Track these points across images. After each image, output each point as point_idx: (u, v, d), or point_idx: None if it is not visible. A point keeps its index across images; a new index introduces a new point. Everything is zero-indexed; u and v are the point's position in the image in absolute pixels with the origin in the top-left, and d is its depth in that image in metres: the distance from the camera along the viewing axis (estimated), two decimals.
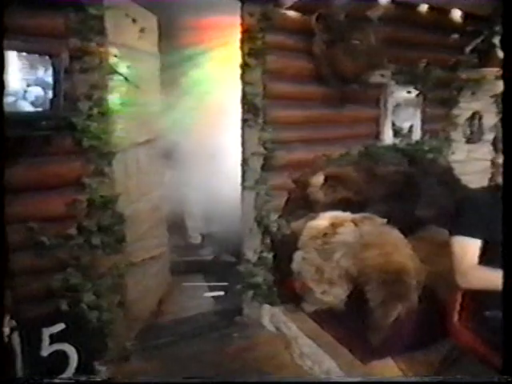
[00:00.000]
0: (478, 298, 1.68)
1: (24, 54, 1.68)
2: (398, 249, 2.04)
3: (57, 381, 1.90)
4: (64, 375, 2.10)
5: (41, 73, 1.74)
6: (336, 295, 2.18)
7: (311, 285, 2.24)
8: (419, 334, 2.13)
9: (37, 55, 1.73)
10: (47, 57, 1.75)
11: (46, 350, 2.05)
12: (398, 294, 1.93)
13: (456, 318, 1.73)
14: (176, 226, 3.80)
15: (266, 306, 2.78)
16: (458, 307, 1.73)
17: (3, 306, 1.03)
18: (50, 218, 2.07)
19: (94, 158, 2.08)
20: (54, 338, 2.06)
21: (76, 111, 1.98)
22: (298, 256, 2.37)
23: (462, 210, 1.78)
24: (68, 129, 1.98)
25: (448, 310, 1.79)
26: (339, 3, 2.30)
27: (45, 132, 1.88)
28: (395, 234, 2.17)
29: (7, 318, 1.19)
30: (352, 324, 2.22)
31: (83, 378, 2.00)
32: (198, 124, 3.18)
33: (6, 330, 1.17)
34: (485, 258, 1.63)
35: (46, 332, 2.06)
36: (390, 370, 2.13)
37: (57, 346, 2.06)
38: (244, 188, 2.63)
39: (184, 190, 3.73)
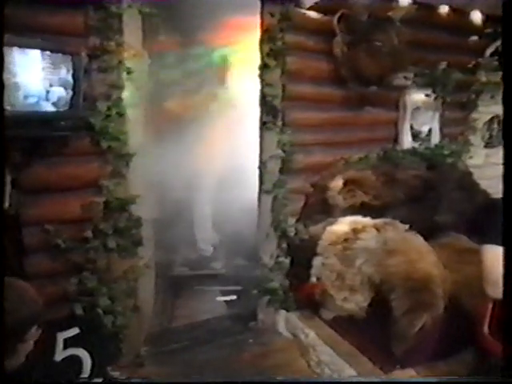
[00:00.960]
0: (509, 307, 1.62)
1: (48, 52, 1.64)
2: (423, 256, 1.98)
3: None
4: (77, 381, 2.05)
5: (63, 72, 1.71)
6: (357, 302, 2.13)
7: (332, 291, 2.18)
8: (444, 345, 2.07)
9: (60, 54, 1.69)
10: (69, 56, 1.72)
11: (60, 354, 2.02)
12: (423, 303, 1.87)
13: (486, 328, 1.67)
14: (185, 237, 3.71)
15: (282, 312, 2.72)
16: (488, 317, 1.67)
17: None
18: (66, 220, 2.04)
19: (112, 160, 2.05)
20: (68, 343, 2.03)
21: (94, 111, 1.95)
22: (317, 261, 2.32)
23: (491, 217, 1.73)
24: (86, 129, 1.95)
25: (477, 320, 1.73)
26: (362, 3, 2.24)
27: (63, 132, 1.84)
28: (419, 241, 2.11)
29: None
30: (373, 332, 2.17)
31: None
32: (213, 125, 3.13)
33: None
34: None
35: (61, 336, 2.03)
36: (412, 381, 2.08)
37: (71, 351, 2.03)
38: (261, 191, 2.59)
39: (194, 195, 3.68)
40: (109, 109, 1.97)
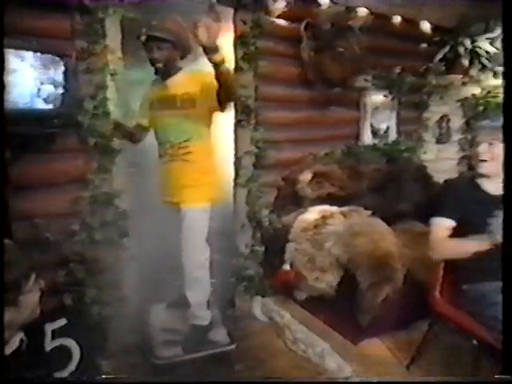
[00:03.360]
0: (456, 273, 1.90)
1: (38, 54, 1.76)
2: (384, 236, 2.24)
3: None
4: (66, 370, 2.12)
5: (52, 72, 1.83)
6: (328, 282, 2.36)
7: (304, 273, 2.40)
8: (403, 314, 2.34)
9: (50, 55, 1.81)
10: (59, 57, 1.84)
11: (49, 345, 2.09)
12: (385, 277, 2.12)
13: (437, 292, 1.94)
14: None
15: (258, 298, 2.91)
16: (439, 283, 1.94)
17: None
18: (55, 214, 2.13)
19: (98, 156, 2.17)
20: (56, 334, 2.10)
21: (81, 110, 2.07)
22: (290, 247, 2.54)
23: (437, 196, 2.03)
24: (74, 127, 2.06)
25: (430, 287, 2.00)
26: (325, 13, 2.50)
27: (53, 130, 1.95)
28: (380, 224, 2.38)
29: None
30: (342, 309, 2.40)
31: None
32: None
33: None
34: (459, 236, 1.86)
35: (49, 327, 2.11)
36: (378, 349, 2.33)
37: (59, 341, 2.11)
38: (236, 185, 2.78)
39: None
40: (95, 108, 2.09)
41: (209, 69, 1.79)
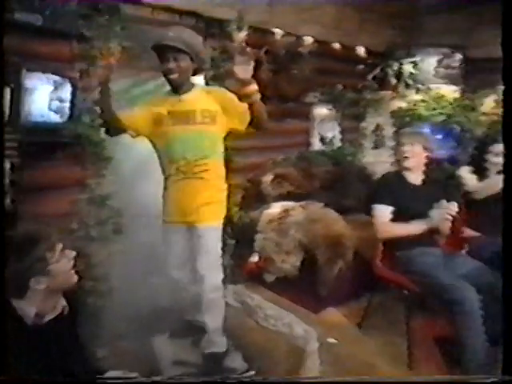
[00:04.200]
0: (391, 245, 2.45)
1: (50, 75, 2.10)
2: (336, 222, 2.78)
3: None
4: None
5: (60, 91, 2.17)
6: (292, 262, 2.84)
7: (273, 257, 2.86)
8: (354, 287, 2.88)
9: (57, 76, 2.15)
10: (63, 77, 2.19)
11: None
12: (339, 253, 2.65)
13: (378, 260, 2.49)
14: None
15: (230, 286, 3.31)
16: (379, 254, 2.49)
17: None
18: (56, 214, 2.41)
19: (94, 163, 2.50)
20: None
21: (80, 123, 2.39)
22: (259, 237, 2.99)
23: (376, 189, 2.59)
24: (74, 138, 2.39)
25: (373, 258, 2.55)
26: (280, 41, 3.04)
27: (59, 139, 2.28)
28: (332, 213, 2.93)
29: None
30: (304, 285, 2.87)
31: None
32: None
33: None
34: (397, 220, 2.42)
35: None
36: (335, 315, 2.84)
37: None
38: None
39: None
40: (92, 121, 2.43)
41: (223, 89, 2.06)
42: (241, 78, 1.83)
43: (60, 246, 1.38)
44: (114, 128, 2.05)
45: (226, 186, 2.20)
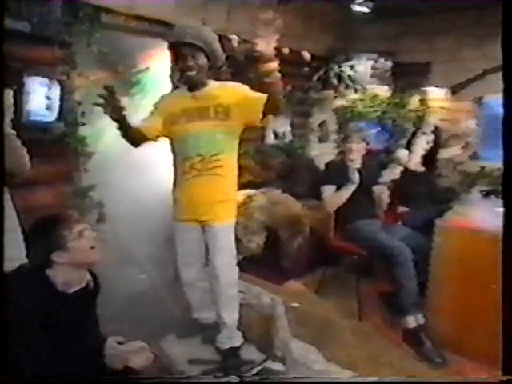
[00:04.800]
0: (341, 219, 2.95)
1: (42, 78, 2.33)
2: (294, 204, 3.25)
3: None
4: None
5: (50, 91, 2.41)
6: (257, 242, 3.25)
7: (240, 237, 3.25)
8: (311, 261, 3.36)
9: (47, 79, 2.38)
10: (53, 79, 2.42)
11: None
12: (298, 230, 3.11)
13: (331, 233, 2.99)
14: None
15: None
16: (332, 227, 2.99)
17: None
18: (43, 206, 2.62)
19: (78, 158, 2.74)
20: None
21: (65, 121, 2.62)
22: None
23: (324, 173, 3.09)
24: (60, 135, 2.61)
25: (327, 233, 3.04)
26: (240, 47, 3.42)
27: (49, 137, 2.50)
28: (290, 197, 3.38)
29: None
30: (268, 262, 3.31)
31: None
32: None
33: None
34: None
35: None
36: (297, 286, 3.30)
37: None
38: None
39: None
40: (75, 119, 2.67)
41: (237, 83, 1.98)
42: (262, 51, 1.65)
43: (79, 226, 1.53)
44: (137, 139, 1.99)
45: (236, 181, 2.12)
